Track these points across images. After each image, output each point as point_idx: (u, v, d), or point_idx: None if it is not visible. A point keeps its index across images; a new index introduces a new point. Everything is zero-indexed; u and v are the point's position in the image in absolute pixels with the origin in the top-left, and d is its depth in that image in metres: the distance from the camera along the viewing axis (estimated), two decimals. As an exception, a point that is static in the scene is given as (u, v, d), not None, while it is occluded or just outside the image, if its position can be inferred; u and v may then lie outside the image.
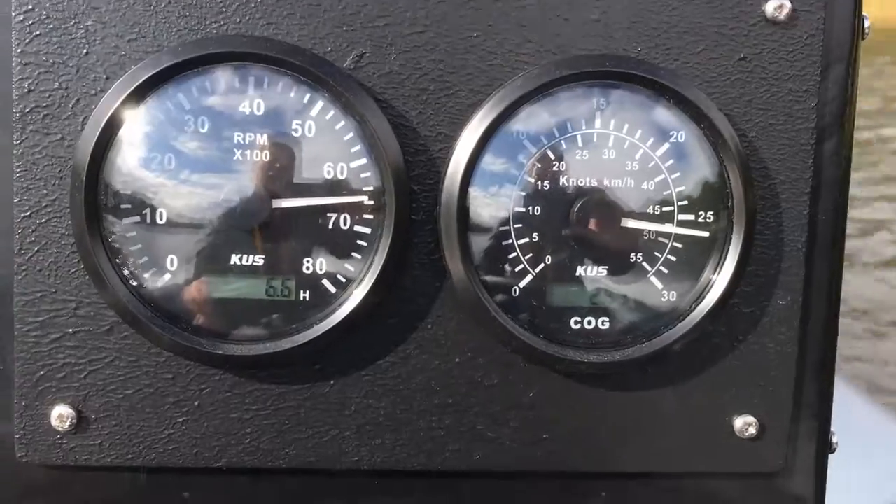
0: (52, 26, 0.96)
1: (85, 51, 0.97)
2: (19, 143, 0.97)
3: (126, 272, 0.99)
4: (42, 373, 1.00)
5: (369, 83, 1.00)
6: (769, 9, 1.04)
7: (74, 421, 1.01)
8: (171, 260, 0.99)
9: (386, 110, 1.00)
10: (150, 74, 0.95)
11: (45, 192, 0.98)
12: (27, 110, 0.97)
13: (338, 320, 1.00)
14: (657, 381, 1.08)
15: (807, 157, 1.06)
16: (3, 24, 0.97)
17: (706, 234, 1.05)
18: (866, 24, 1.10)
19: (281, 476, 1.06)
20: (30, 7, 0.96)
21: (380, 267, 1.00)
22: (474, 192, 1.02)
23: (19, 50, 0.96)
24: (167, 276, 1.00)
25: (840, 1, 1.06)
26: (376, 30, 1.00)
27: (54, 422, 1.01)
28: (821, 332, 1.11)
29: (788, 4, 1.03)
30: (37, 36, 0.96)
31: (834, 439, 1.16)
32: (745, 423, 1.09)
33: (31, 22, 0.96)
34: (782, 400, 1.10)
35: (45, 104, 0.97)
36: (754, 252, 1.06)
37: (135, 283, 0.99)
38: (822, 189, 1.08)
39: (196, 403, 1.03)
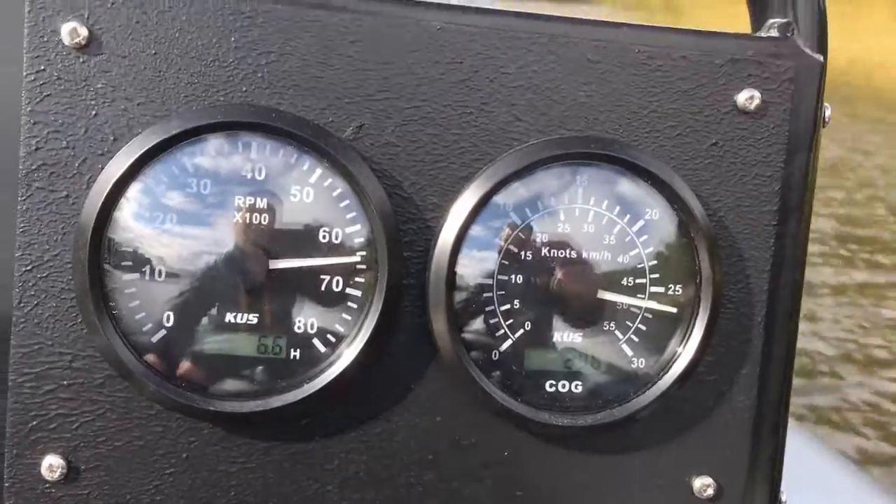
0: (62, 87, 0.99)
1: (94, 112, 1.00)
2: (24, 200, 0.99)
3: (122, 327, 1.02)
4: (34, 423, 1.02)
5: (367, 153, 1.05)
6: (741, 99, 1.11)
7: (64, 471, 1.03)
8: (168, 316, 1.02)
9: (382, 179, 1.05)
10: (159, 140, 0.99)
11: (47, 247, 1.00)
12: (34, 168, 0.99)
13: (327, 380, 1.04)
14: (624, 443, 1.14)
15: (769, 237, 1.14)
16: (12, 82, 1.00)
17: (675, 309, 1.12)
18: (827, 113, 1.19)
19: None
20: (42, 68, 0.99)
21: (370, 328, 1.05)
22: (462, 260, 1.08)
23: (29, 108, 0.99)
24: (162, 332, 1.03)
25: (805, 94, 1.14)
26: (376, 103, 1.05)
27: (44, 472, 1.02)
28: (776, 400, 1.19)
29: (759, 95, 1.11)
30: (47, 96, 0.99)
31: (783, 497, 1.24)
32: (703, 484, 1.16)
33: (41, 82, 0.99)
34: (738, 462, 1.17)
35: (51, 163, 1.00)
36: (718, 324, 1.13)
37: (131, 338, 1.02)
38: (781, 266, 1.16)
39: (184, 456, 1.05)
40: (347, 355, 1.05)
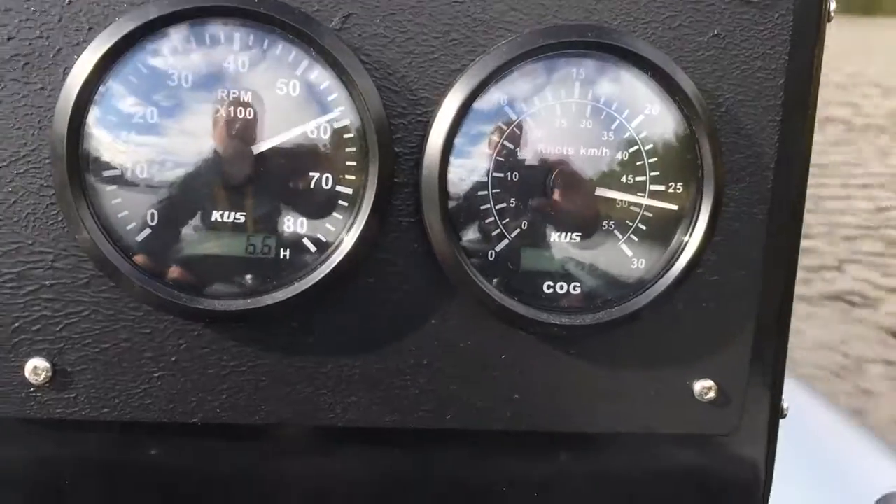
0: None
1: (68, 0, 0.96)
2: None
3: (105, 226, 0.98)
4: (17, 325, 0.99)
5: (355, 44, 1.01)
6: None
7: (50, 374, 1.00)
8: (152, 214, 0.99)
9: (371, 71, 1.01)
10: (136, 26, 0.94)
11: (23, 141, 0.97)
12: (7, 58, 0.95)
13: (318, 278, 1.01)
14: (623, 345, 1.12)
15: (773, 133, 1.10)
16: None
17: (675, 207, 1.09)
18: (832, 6, 1.14)
19: (254, 432, 1.08)
20: None
21: (361, 227, 1.01)
22: (455, 157, 1.04)
23: None
24: (147, 231, 0.99)
25: None
26: None
27: (29, 375, 1.00)
28: (778, 303, 1.16)
29: None
30: None
31: (785, 405, 1.22)
32: (704, 387, 1.14)
33: None
34: (740, 366, 1.15)
35: (25, 52, 0.95)
36: (720, 222, 1.10)
37: (115, 238, 0.99)
38: (785, 164, 1.12)
39: (173, 359, 1.03)
40: (337, 254, 1.02)
